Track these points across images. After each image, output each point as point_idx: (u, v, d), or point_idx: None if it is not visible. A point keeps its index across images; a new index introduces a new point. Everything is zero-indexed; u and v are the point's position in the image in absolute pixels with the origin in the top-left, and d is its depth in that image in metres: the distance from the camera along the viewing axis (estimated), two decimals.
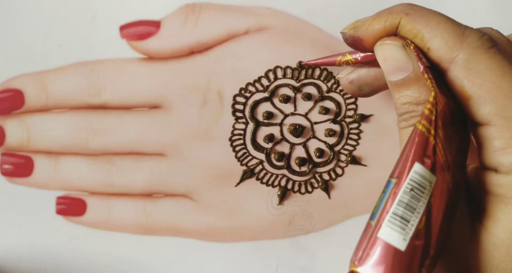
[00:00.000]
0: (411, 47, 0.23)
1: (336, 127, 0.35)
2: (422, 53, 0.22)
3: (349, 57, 0.27)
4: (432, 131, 0.21)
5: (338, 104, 0.35)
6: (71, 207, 0.35)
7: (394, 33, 0.23)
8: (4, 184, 0.34)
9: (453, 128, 0.22)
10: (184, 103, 0.34)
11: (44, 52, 0.34)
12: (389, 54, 0.23)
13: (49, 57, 0.34)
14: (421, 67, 0.22)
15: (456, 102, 0.22)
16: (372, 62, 0.26)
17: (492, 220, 0.21)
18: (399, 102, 0.23)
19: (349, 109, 0.35)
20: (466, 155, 0.23)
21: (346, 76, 0.27)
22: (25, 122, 0.34)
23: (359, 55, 0.26)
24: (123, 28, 0.34)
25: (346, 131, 0.35)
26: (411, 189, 0.21)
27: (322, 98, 0.35)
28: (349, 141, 0.35)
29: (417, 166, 0.21)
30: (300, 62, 0.34)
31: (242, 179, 0.35)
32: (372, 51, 0.25)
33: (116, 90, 0.34)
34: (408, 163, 0.21)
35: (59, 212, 0.35)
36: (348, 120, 0.35)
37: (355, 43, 0.25)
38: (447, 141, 0.21)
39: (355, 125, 0.35)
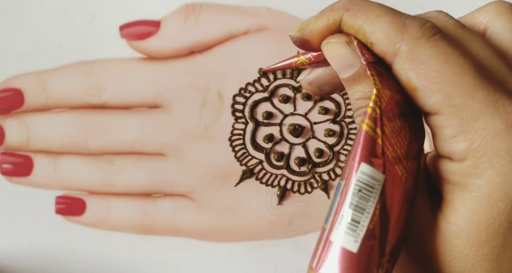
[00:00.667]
0: (355, 43, 0.22)
1: (336, 127, 0.35)
2: (366, 49, 0.22)
3: (302, 59, 0.26)
4: (378, 130, 0.21)
5: (337, 104, 0.35)
6: (70, 206, 0.35)
7: (338, 30, 0.23)
8: (3, 184, 0.34)
9: (403, 120, 0.21)
10: (183, 103, 0.34)
11: (44, 51, 0.34)
12: (335, 52, 0.23)
13: (49, 57, 0.34)
14: (364, 64, 0.22)
15: (406, 94, 0.22)
16: (325, 61, 0.25)
17: (451, 208, 0.21)
18: (352, 98, 0.23)
19: (349, 109, 0.35)
20: (422, 143, 0.22)
21: (305, 77, 0.26)
22: (24, 121, 0.34)
23: (311, 55, 0.26)
24: (123, 28, 0.34)
25: (345, 131, 0.35)
26: (359, 190, 0.20)
27: (322, 98, 0.35)
28: (349, 141, 0.35)
29: (364, 167, 0.20)
30: (260, 69, 0.34)
31: (241, 179, 0.35)
32: (320, 49, 0.24)
33: (115, 90, 0.34)
34: (355, 164, 0.21)
35: (59, 211, 0.35)
36: (347, 120, 0.35)
37: (303, 44, 0.24)
38: (396, 136, 0.21)
39: (355, 125, 0.35)
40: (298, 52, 0.26)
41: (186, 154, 0.35)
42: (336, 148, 0.35)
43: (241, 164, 0.35)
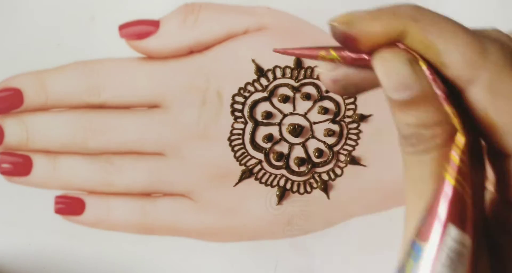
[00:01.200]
0: (424, 65, 0.19)
1: (335, 127, 0.35)
2: (436, 73, 0.19)
3: (334, 55, 0.22)
4: (467, 189, 0.18)
5: (337, 104, 0.35)
6: (69, 206, 0.35)
7: (396, 40, 0.20)
8: (2, 183, 0.34)
9: (477, 168, 0.19)
10: (183, 103, 0.34)
11: (43, 51, 0.34)
12: (392, 69, 0.19)
13: (48, 57, 0.34)
14: (441, 96, 0.18)
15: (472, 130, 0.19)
16: (363, 65, 0.22)
17: None
18: (403, 122, 0.20)
19: (348, 109, 0.35)
20: (484, 190, 0.20)
21: (329, 73, 0.22)
22: (24, 121, 0.34)
23: (348, 55, 0.22)
24: (122, 27, 0.34)
25: (345, 131, 0.35)
26: (448, 259, 0.17)
27: (321, 98, 0.35)
28: (348, 141, 0.35)
29: (453, 231, 0.18)
30: (274, 50, 0.31)
31: (240, 179, 0.35)
32: (365, 53, 0.21)
33: (115, 90, 0.34)
34: (440, 224, 0.18)
35: (58, 211, 0.35)
36: (347, 120, 0.35)
37: (346, 42, 0.20)
38: (475, 189, 0.18)
39: (354, 125, 0.35)
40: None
41: (185, 154, 0.35)
42: (336, 148, 0.35)
43: (240, 164, 0.35)
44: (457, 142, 0.18)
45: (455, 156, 0.18)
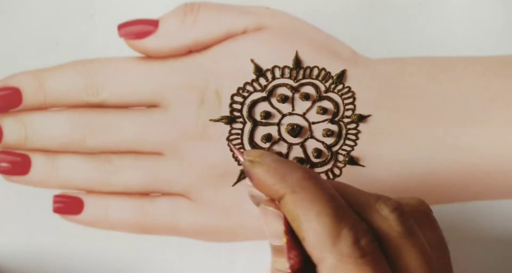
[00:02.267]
0: (285, 240, 0.22)
1: (334, 127, 0.35)
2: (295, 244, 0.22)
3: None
4: None
5: (336, 104, 0.35)
6: (68, 205, 0.35)
7: (277, 200, 0.23)
8: (1, 182, 0.34)
9: None
10: (181, 102, 0.34)
11: (42, 50, 0.34)
12: (269, 221, 0.23)
13: (47, 56, 0.34)
14: (288, 271, 0.22)
15: None
16: None
17: None
18: (274, 266, 0.23)
19: (347, 109, 0.35)
20: None
21: (250, 188, 0.26)
22: (22, 120, 0.34)
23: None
24: (121, 26, 0.34)
25: (344, 131, 0.35)
26: None
27: (320, 98, 0.35)
28: (347, 142, 0.35)
29: None
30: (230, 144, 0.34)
31: (239, 179, 0.35)
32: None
33: (114, 89, 0.34)
34: None
35: (56, 210, 0.35)
36: (346, 120, 0.35)
37: (246, 174, 0.25)
38: None
39: (353, 125, 0.35)
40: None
41: (184, 153, 0.35)
42: (335, 148, 0.35)
43: (239, 164, 0.35)
44: None
45: None
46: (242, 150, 0.31)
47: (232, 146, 0.30)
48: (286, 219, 0.22)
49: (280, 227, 0.22)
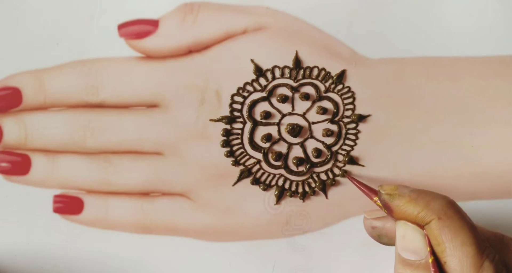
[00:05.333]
0: (430, 260, 0.24)
1: (334, 127, 0.35)
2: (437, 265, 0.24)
3: (382, 208, 0.28)
4: None
5: (336, 104, 0.35)
6: (68, 205, 0.35)
7: (421, 225, 0.25)
8: (1, 182, 0.34)
9: None
10: (181, 102, 0.34)
11: (42, 50, 0.34)
12: (409, 235, 0.25)
13: (47, 56, 0.34)
14: None
15: None
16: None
17: None
18: None
19: (347, 109, 0.35)
20: None
21: (371, 220, 0.29)
22: (22, 120, 0.34)
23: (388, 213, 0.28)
24: (121, 26, 0.34)
25: (343, 131, 0.35)
26: None
27: (320, 98, 0.35)
28: (347, 141, 0.35)
29: None
30: (346, 176, 0.35)
31: (239, 179, 0.35)
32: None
33: (114, 89, 0.34)
34: None
35: (56, 210, 0.35)
36: (346, 120, 0.35)
37: (385, 207, 0.27)
38: None
39: (353, 125, 0.35)
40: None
41: (184, 153, 0.35)
42: (334, 148, 0.35)
43: (239, 164, 0.35)
44: None
45: None
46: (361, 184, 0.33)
47: (356, 182, 0.33)
48: (430, 241, 0.24)
49: (421, 246, 0.24)
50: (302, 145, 0.35)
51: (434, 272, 0.23)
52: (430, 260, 0.23)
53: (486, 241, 0.24)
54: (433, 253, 0.24)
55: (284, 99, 0.34)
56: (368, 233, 0.29)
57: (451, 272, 0.23)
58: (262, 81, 0.34)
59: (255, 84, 0.34)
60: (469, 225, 0.24)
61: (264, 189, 0.35)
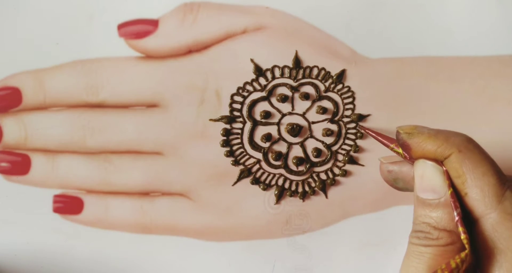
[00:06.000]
0: (449, 192, 0.23)
1: (334, 127, 0.35)
2: (457, 199, 0.23)
3: (400, 151, 0.28)
4: None
5: (335, 103, 0.35)
6: (68, 205, 0.35)
7: (440, 160, 0.24)
8: (1, 182, 0.34)
9: None
10: (181, 102, 0.34)
11: (42, 50, 0.34)
12: (428, 173, 0.24)
13: (47, 55, 0.34)
14: (456, 218, 0.23)
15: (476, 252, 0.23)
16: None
17: None
18: (420, 219, 0.24)
19: (347, 109, 0.35)
20: None
21: (387, 164, 0.28)
22: (22, 120, 0.34)
23: (407, 155, 0.27)
24: (121, 26, 0.34)
25: (343, 131, 0.35)
26: None
27: (320, 97, 0.35)
28: (347, 141, 0.35)
29: None
30: (359, 126, 0.35)
31: (239, 178, 0.35)
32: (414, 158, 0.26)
33: (113, 89, 0.34)
34: None
35: (56, 210, 0.35)
36: (345, 119, 0.35)
37: (404, 147, 0.26)
38: None
39: (353, 125, 0.35)
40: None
41: (183, 153, 0.35)
42: (334, 148, 0.35)
43: (238, 164, 0.35)
44: (461, 254, 0.22)
45: (453, 261, 0.22)
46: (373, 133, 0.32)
47: (370, 132, 0.32)
48: (449, 175, 0.24)
49: (440, 183, 0.24)
50: (302, 144, 0.35)
51: (453, 203, 0.23)
52: (449, 192, 0.23)
53: (505, 176, 0.24)
54: (452, 186, 0.24)
55: (284, 98, 0.34)
56: (383, 177, 0.29)
57: (472, 202, 0.22)
58: (262, 80, 0.34)
59: (255, 83, 0.34)
60: (489, 158, 0.24)
61: (264, 189, 0.35)
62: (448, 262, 0.22)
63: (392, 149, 0.29)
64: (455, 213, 0.23)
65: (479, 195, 0.22)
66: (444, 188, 0.23)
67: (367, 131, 0.32)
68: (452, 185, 0.24)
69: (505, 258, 0.21)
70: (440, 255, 0.23)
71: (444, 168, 0.24)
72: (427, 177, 0.24)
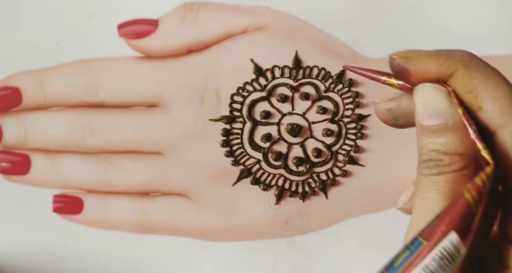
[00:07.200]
0: (460, 111, 0.22)
1: (334, 127, 0.35)
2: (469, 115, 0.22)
3: (394, 82, 0.25)
4: (480, 208, 0.20)
5: (336, 104, 0.35)
6: (68, 205, 0.35)
7: (443, 80, 0.22)
8: (1, 182, 0.34)
9: (495, 198, 0.21)
10: (181, 102, 0.34)
11: (42, 50, 0.34)
12: (431, 98, 0.22)
13: (47, 55, 0.34)
14: (473, 135, 0.21)
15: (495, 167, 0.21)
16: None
17: None
18: (426, 147, 0.22)
19: (347, 109, 0.35)
20: (493, 224, 0.22)
21: (384, 103, 0.26)
22: (22, 120, 0.34)
23: (404, 83, 0.25)
24: (121, 26, 0.34)
25: (343, 131, 0.35)
26: (441, 258, 0.20)
27: (320, 97, 0.35)
28: (347, 141, 0.35)
29: (454, 236, 0.20)
30: (344, 66, 0.33)
31: (239, 179, 0.35)
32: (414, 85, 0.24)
33: (113, 89, 0.34)
34: (443, 228, 0.20)
35: (56, 210, 0.35)
36: (345, 120, 0.35)
37: (401, 73, 0.24)
38: (486, 214, 0.21)
39: (353, 125, 0.35)
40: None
41: (183, 153, 0.35)
42: (334, 148, 0.35)
43: (238, 164, 0.35)
44: (485, 170, 0.20)
45: (479, 179, 0.20)
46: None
47: (356, 69, 0.28)
48: (456, 95, 0.22)
49: (446, 105, 0.22)
50: (302, 145, 0.35)
51: (467, 121, 0.21)
52: (459, 111, 0.21)
53: None
54: (461, 105, 0.22)
55: (284, 98, 0.34)
56: (382, 119, 0.26)
57: (487, 115, 0.21)
58: (262, 80, 0.34)
59: (255, 83, 0.34)
60: (497, 70, 0.22)
61: (264, 189, 0.35)
62: (474, 180, 0.20)
63: (384, 82, 0.26)
64: (471, 131, 0.21)
65: (496, 105, 0.21)
66: (450, 110, 0.21)
67: (351, 69, 0.29)
68: (462, 104, 0.22)
69: None
70: (455, 182, 0.21)
71: (449, 88, 0.22)
72: (430, 101, 0.22)
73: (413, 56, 0.23)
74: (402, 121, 0.26)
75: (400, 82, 0.25)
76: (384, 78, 0.26)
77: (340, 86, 0.35)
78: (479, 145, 0.21)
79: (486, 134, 0.22)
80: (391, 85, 0.26)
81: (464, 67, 0.22)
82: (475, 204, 0.20)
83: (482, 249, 0.22)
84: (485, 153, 0.21)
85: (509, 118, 0.21)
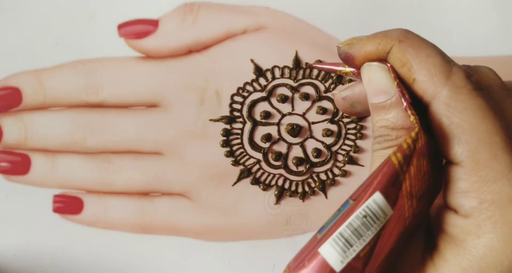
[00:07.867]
0: (395, 83, 0.23)
1: (334, 127, 0.35)
2: (405, 87, 0.23)
3: (348, 70, 0.27)
4: (404, 167, 0.21)
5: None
6: (68, 205, 0.35)
7: (384, 58, 0.23)
8: (1, 182, 0.34)
9: (431, 164, 0.21)
10: (181, 102, 0.34)
11: (42, 50, 0.34)
12: (374, 76, 0.23)
13: (47, 55, 0.34)
14: (404, 104, 0.22)
15: (434, 138, 0.22)
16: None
17: (442, 260, 0.21)
18: (377, 124, 0.23)
19: None
20: (437, 193, 0.23)
21: (340, 92, 0.27)
22: (22, 120, 0.34)
23: (355, 70, 0.27)
24: (121, 26, 0.34)
25: (343, 131, 0.35)
26: (364, 216, 0.21)
27: (320, 98, 0.35)
28: (347, 141, 0.35)
29: (377, 196, 0.21)
30: (306, 63, 0.34)
31: (239, 179, 0.35)
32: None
33: (114, 89, 0.34)
34: (370, 189, 0.21)
35: (56, 210, 0.35)
36: (345, 120, 0.35)
37: (347, 59, 0.25)
38: (418, 178, 0.21)
39: (353, 125, 0.35)
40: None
41: (183, 153, 0.35)
42: (334, 148, 0.35)
43: (238, 164, 0.35)
44: (411, 134, 0.21)
45: (404, 142, 0.21)
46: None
47: (317, 65, 0.30)
48: (394, 69, 0.23)
49: (388, 81, 0.23)
50: (302, 145, 0.35)
51: (400, 92, 0.22)
52: (395, 83, 0.22)
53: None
54: (398, 78, 0.23)
55: (284, 99, 0.34)
56: (341, 108, 0.27)
57: (421, 86, 0.22)
58: (262, 81, 0.34)
59: (255, 84, 0.34)
60: (430, 43, 0.23)
61: (264, 189, 0.35)
62: (399, 144, 0.21)
63: (340, 72, 0.27)
64: (403, 100, 0.22)
65: (427, 76, 0.21)
66: (393, 85, 0.22)
67: (314, 66, 0.30)
68: (398, 77, 0.23)
69: (462, 130, 0.20)
70: None
71: (388, 65, 0.23)
72: (374, 79, 0.23)
73: (354, 41, 0.24)
74: (359, 107, 0.27)
75: (352, 69, 0.26)
76: (339, 68, 0.27)
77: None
78: (409, 112, 0.22)
79: (422, 105, 0.22)
80: (347, 74, 0.27)
81: (398, 43, 0.22)
82: (400, 166, 0.21)
83: (426, 216, 0.22)
84: (412, 120, 0.21)
85: (441, 87, 0.21)
